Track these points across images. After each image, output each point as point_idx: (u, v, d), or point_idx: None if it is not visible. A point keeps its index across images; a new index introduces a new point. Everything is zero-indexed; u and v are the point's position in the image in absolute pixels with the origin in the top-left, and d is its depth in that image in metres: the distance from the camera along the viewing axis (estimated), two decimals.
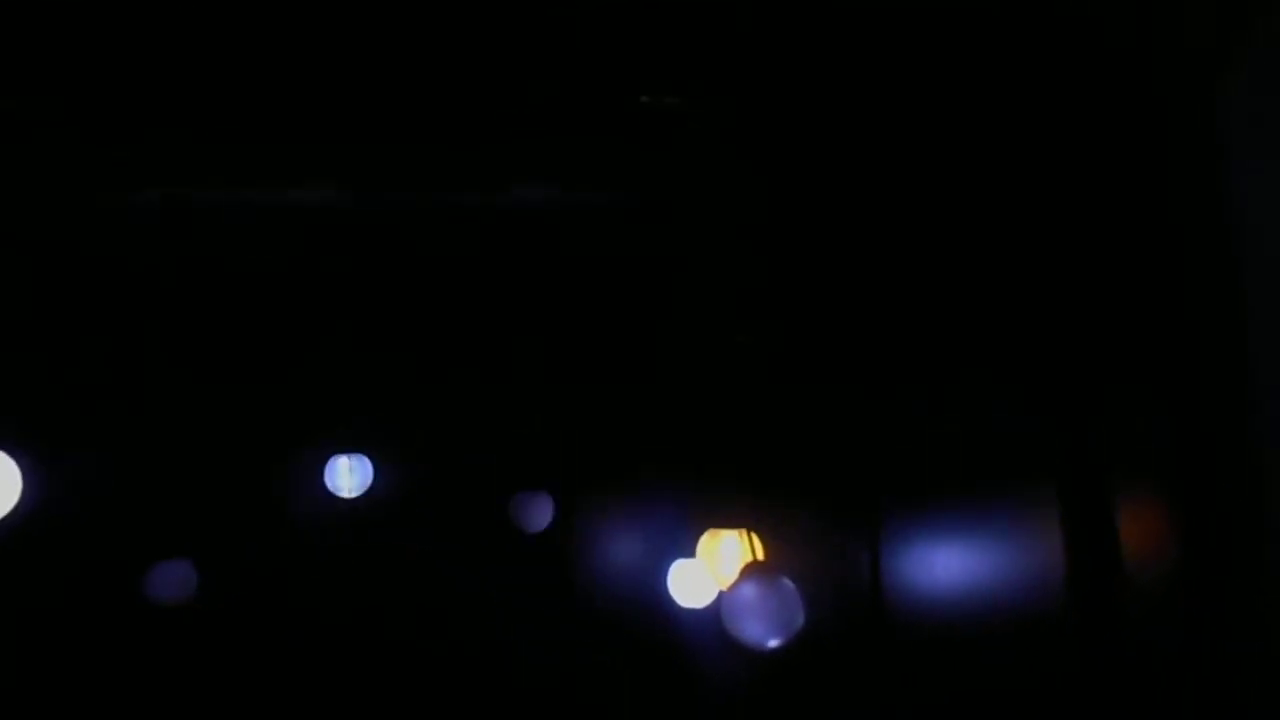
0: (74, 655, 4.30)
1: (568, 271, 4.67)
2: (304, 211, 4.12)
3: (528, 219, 4.31)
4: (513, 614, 4.78)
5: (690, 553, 3.79)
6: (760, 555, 3.13)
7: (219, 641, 4.58)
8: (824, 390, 4.03)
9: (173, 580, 4.07)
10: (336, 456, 4.71)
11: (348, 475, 4.70)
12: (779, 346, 4.25)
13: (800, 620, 2.72)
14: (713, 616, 3.23)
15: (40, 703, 4.21)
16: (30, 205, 3.75)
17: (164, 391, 4.54)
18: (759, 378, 4.19)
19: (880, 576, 3.85)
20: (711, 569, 3.29)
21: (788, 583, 2.78)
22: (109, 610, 4.29)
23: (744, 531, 3.13)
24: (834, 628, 3.63)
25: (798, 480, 4.03)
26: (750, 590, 2.72)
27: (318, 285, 4.59)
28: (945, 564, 3.91)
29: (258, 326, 4.57)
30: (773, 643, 2.67)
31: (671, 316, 4.59)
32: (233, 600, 4.52)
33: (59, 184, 3.66)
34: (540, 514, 4.80)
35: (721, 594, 2.78)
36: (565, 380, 4.83)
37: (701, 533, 3.52)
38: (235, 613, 4.57)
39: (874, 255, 3.88)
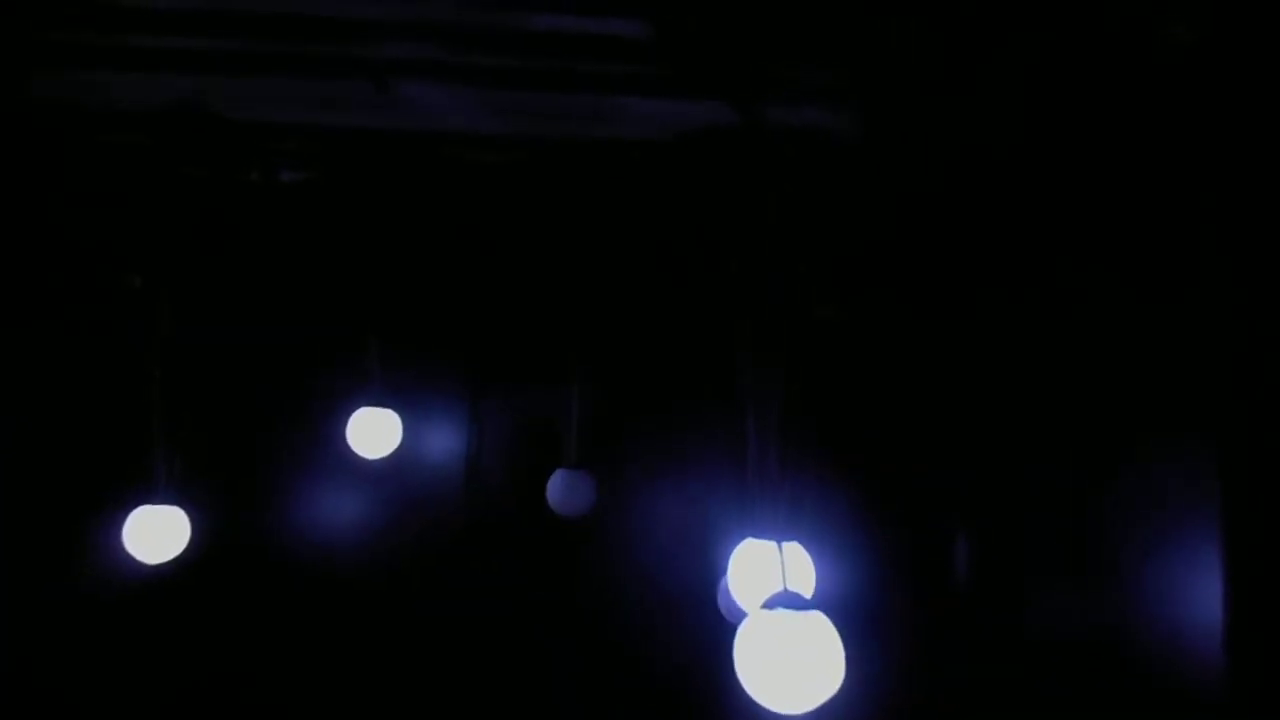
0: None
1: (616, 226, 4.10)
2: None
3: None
4: (536, 607, 4.24)
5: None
6: (800, 581, 2.46)
7: (222, 621, 4.19)
8: (916, 377, 3.35)
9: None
10: (360, 410, 4.23)
11: (373, 433, 4.23)
12: (868, 324, 3.58)
13: (838, 681, 2.05)
14: None
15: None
16: None
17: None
18: (840, 360, 3.52)
19: (976, 595, 3.17)
20: (739, 588, 2.64)
21: (821, 621, 2.11)
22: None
23: (778, 545, 2.46)
24: (915, 658, 2.97)
25: (877, 482, 3.36)
26: (765, 632, 2.07)
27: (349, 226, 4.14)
28: (1059, 600, 3.22)
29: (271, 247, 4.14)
30: (792, 712, 2.01)
31: (738, 284, 3.94)
32: (235, 572, 4.11)
33: None
34: (580, 496, 4.21)
35: (739, 630, 2.13)
36: (612, 351, 4.24)
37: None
38: (238, 585, 4.16)
39: (989, 218, 3.19)
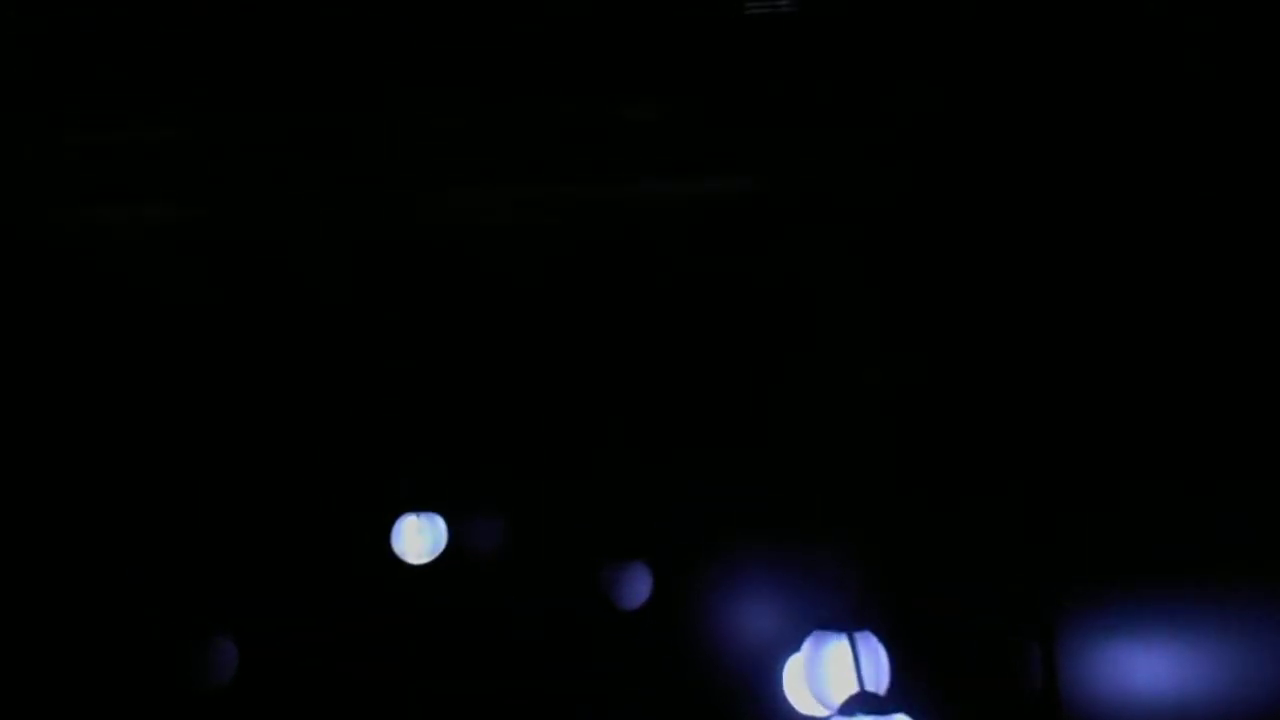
0: None
1: (669, 298, 4.01)
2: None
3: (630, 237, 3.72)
4: (601, 705, 4.04)
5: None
6: (874, 674, 2.27)
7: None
8: (978, 444, 3.18)
9: (211, 662, 3.57)
10: (404, 516, 4.12)
11: (417, 537, 4.11)
12: (920, 385, 3.42)
13: None
14: None
15: None
16: None
17: (211, 436, 4.10)
18: (891, 426, 3.36)
19: (1058, 684, 2.95)
20: (813, 685, 2.45)
21: None
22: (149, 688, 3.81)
23: (856, 638, 2.28)
24: None
25: (942, 557, 3.16)
26: None
27: (381, 319, 4.09)
28: (1148, 671, 3.00)
29: (314, 363, 4.08)
30: None
31: (788, 350, 3.82)
32: (282, 684, 3.97)
33: None
34: (636, 588, 4.06)
35: None
36: (665, 433, 4.11)
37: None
38: (285, 697, 4.02)
39: (1047, 272, 3.07)
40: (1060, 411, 2.89)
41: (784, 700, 3.35)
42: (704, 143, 3.37)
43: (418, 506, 4.10)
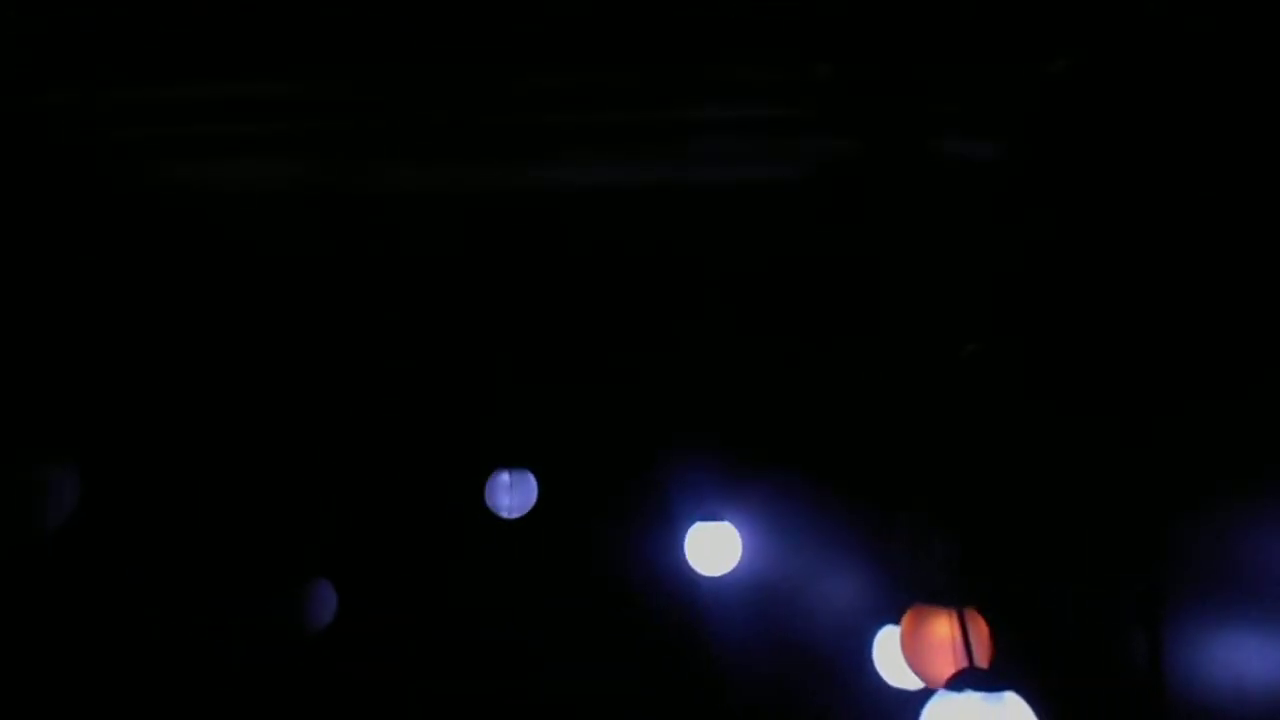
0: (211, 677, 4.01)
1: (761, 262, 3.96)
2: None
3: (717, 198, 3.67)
4: (685, 664, 4.08)
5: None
6: (981, 651, 2.25)
7: (370, 670, 4.17)
8: (1082, 416, 3.09)
9: (313, 604, 3.69)
10: (498, 472, 4.18)
11: (509, 492, 4.18)
12: (1022, 359, 3.34)
13: None
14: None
15: None
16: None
17: (317, 398, 4.19)
18: (991, 399, 3.28)
19: (1162, 668, 2.87)
20: (913, 660, 2.44)
21: (1021, 706, 1.91)
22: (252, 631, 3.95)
23: (961, 614, 2.26)
24: None
25: (1043, 538, 3.10)
26: (963, 718, 1.88)
27: (481, 282, 4.12)
28: (1257, 657, 2.89)
29: (413, 326, 4.14)
30: None
31: (881, 319, 3.75)
32: (384, 627, 4.08)
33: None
34: (722, 551, 4.06)
35: (923, 714, 1.95)
36: (754, 393, 4.08)
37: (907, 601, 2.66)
38: (387, 641, 4.14)
39: (1165, 233, 2.94)
40: (1171, 384, 2.79)
41: (874, 673, 3.36)
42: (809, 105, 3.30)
43: (511, 464, 4.16)
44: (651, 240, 3.92)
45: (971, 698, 1.92)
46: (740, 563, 4.07)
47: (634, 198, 3.62)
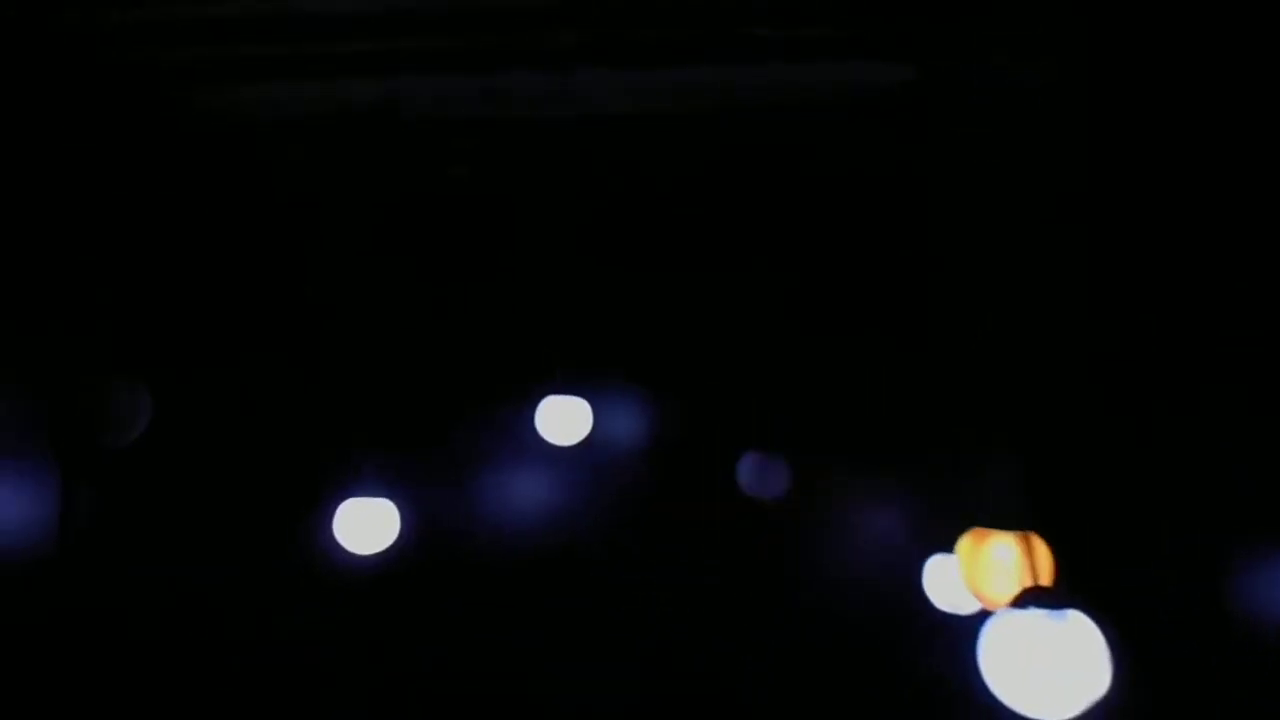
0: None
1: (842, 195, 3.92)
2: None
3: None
4: (728, 594, 4.12)
5: (949, 547, 2.96)
6: (1044, 573, 2.26)
7: (410, 600, 4.27)
8: (1147, 337, 3.05)
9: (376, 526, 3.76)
10: (549, 398, 4.21)
11: (561, 419, 4.21)
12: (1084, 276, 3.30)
13: (1104, 683, 1.86)
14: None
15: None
16: None
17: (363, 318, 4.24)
18: (1055, 320, 3.25)
19: (1224, 595, 2.87)
20: (973, 582, 2.45)
21: (1085, 623, 1.92)
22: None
23: (1023, 537, 2.27)
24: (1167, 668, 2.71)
25: (1109, 469, 3.08)
26: (1027, 635, 1.89)
27: (527, 203, 4.12)
28: None
29: (461, 247, 4.16)
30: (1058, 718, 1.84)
31: (956, 249, 3.71)
32: (430, 554, 4.16)
33: None
34: (772, 480, 4.08)
35: (985, 631, 1.96)
36: (817, 321, 4.06)
37: (962, 528, 2.67)
38: (430, 568, 4.22)
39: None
40: (1254, 329, 2.74)
41: (923, 597, 3.39)
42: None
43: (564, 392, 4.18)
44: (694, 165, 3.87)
45: (1036, 615, 1.93)
46: (790, 491, 4.10)
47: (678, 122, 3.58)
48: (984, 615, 2.30)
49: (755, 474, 4.07)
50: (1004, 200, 3.68)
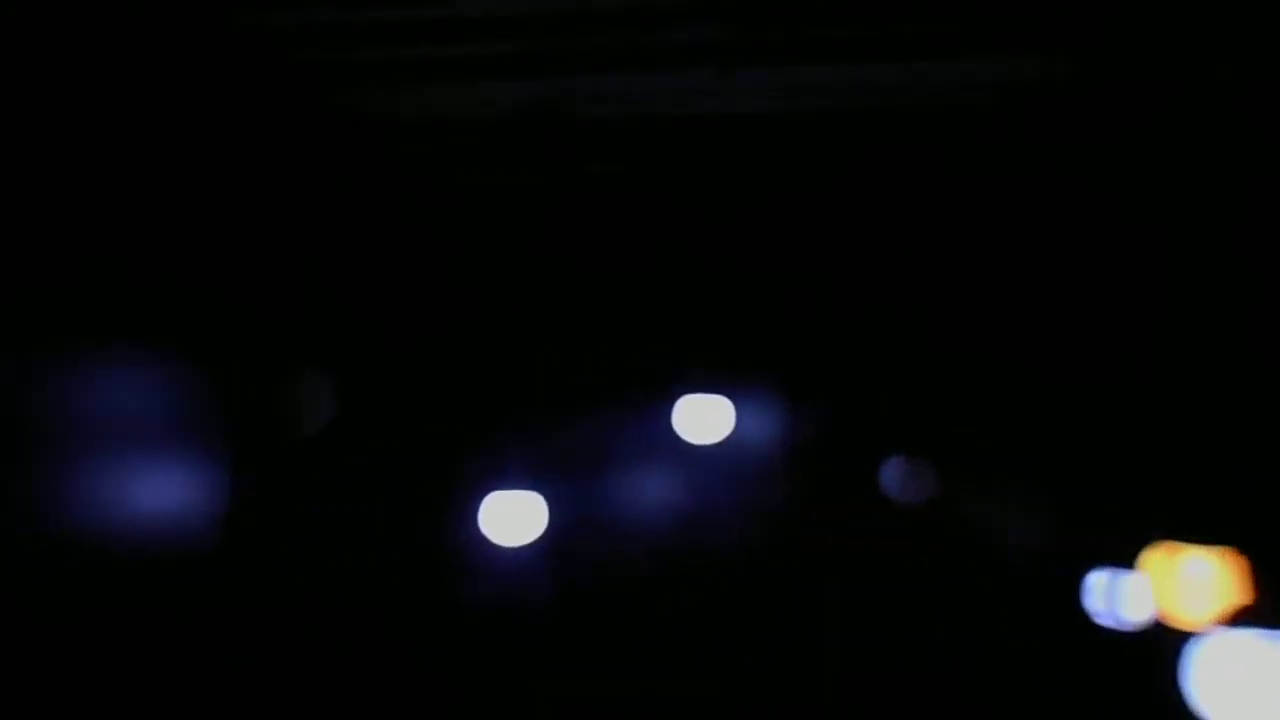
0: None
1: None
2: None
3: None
4: (878, 600, 4.03)
5: (1123, 562, 2.84)
6: (1246, 591, 2.13)
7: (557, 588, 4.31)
8: None
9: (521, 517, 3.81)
10: (686, 397, 4.19)
11: (700, 418, 4.19)
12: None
13: None
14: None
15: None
16: None
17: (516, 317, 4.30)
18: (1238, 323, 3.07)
19: None
20: (1164, 598, 2.33)
21: None
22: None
23: (1226, 553, 2.14)
24: None
25: None
26: (1243, 657, 1.78)
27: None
28: None
29: (609, 245, 4.17)
30: None
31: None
32: (569, 548, 4.19)
33: None
34: (921, 483, 3.98)
35: (1195, 652, 1.85)
36: (968, 322, 3.95)
37: (1145, 541, 2.54)
38: (575, 556, 4.25)
39: None
40: None
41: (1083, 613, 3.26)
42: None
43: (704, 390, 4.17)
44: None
45: (1253, 636, 1.81)
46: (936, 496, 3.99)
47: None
48: (1155, 631, 2.20)
49: (901, 478, 3.98)
50: (1163, 200, 3.53)
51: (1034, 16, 3.05)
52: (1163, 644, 2.30)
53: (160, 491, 3.08)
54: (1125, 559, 2.87)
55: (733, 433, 4.18)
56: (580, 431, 4.41)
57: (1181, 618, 2.27)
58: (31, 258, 2.49)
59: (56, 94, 2.56)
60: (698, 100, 3.42)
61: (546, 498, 3.81)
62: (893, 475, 4.01)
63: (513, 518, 3.73)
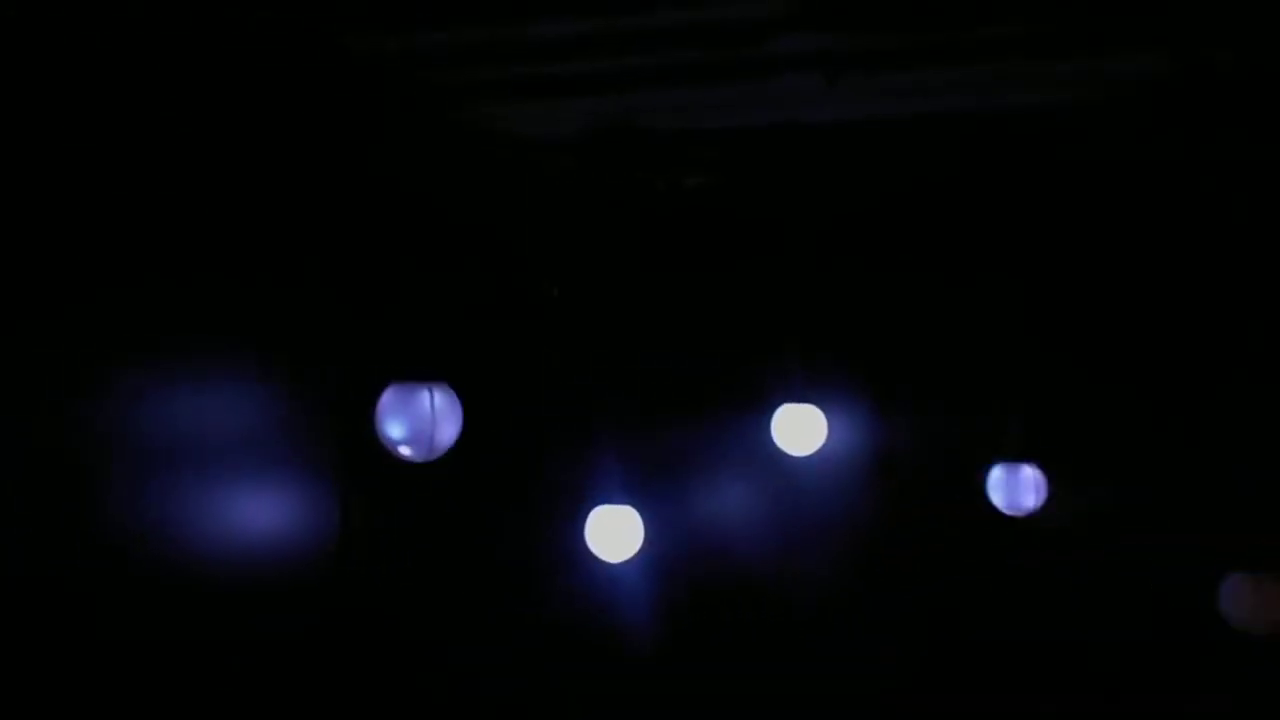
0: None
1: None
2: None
3: None
4: (985, 613, 3.96)
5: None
6: None
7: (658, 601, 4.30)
8: None
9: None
10: (785, 406, 4.16)
11: (797, 428, 4.15)
12: None
13: None
14: None
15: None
16: None
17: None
18: None
19: None
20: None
21: None
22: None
23: None
24: None
25: None
26: None
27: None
28: None
29: (706, 254, 4.18)
30: None
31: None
32: (668, 559, 4.19)
33: None
34: (1026, 492, 3.87)
35: None
36: (1075, 327, 3.87)
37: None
38: (669, 572, 4.25)
39: None
40: None
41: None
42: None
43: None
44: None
45: None
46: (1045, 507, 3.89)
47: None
48: None
49: (1008, 487, 3.87)
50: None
51: (1130, 16, 3.00)
52: None
53: (271, 514, 3.12)
54: (1259, 563, 2.78)
55: (825, 443, 4.15)
56: (675, 444, 4.42)
57: None
58: (149, 272, 2.56)
59: (189, 110, 2.65)
60: (800, 109, 3.43)
61: (643, 512, 3.82)
62: (998, 485, 3.91)
63: (614, 532, 3.73)
